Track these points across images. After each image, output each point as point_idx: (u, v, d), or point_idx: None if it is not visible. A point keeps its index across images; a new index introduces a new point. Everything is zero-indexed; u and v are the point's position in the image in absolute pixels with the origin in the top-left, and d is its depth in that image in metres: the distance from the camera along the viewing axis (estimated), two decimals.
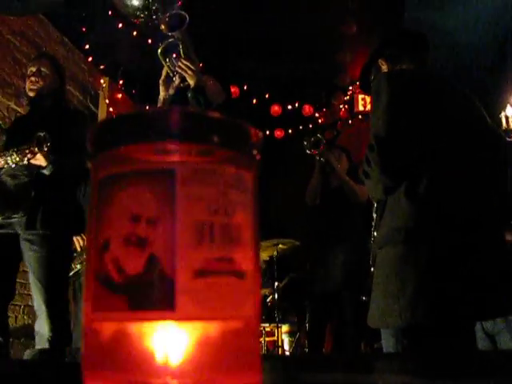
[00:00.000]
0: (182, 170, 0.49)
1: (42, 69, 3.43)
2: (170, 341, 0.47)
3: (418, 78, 2.33)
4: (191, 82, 2.88)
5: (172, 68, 2.93)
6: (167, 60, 2.94)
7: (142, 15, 4.72)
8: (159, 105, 3.06)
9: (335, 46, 5.69)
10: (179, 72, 2.90)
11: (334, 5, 5.06)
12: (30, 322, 4.72)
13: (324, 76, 6.19)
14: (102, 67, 5.58)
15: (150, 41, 5.13)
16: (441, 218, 2.03)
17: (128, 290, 0.47)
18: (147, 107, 6.31)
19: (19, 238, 3.00)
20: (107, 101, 5.77)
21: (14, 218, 2.97)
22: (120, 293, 0.47)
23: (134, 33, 5.12)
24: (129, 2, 4.05)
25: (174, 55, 2.96)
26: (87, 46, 5.29)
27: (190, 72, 2.85)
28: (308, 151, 4.58)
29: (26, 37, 5.07)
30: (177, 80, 2.96)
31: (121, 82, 6.09)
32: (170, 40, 2.90)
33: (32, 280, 2.99)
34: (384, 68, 2.54)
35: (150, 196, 0.48)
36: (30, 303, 4.56)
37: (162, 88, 3.00)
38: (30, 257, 2.98)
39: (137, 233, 0.47)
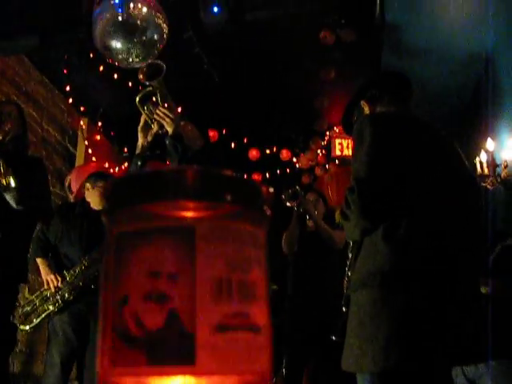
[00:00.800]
0: (201, 228, 0.50)
1: (9, 112, 3.42)
2: None
3: (401, 122, 2.37)
4: (169, 130, 2.92)
5: (150, 116, 2.97)
6: (145, 108, 2.98)
7: (123, 58, 4.78)
8: (137, 151, 3.08)
9: (314, 91, 5.81)
10: (157, 119, 2.94)
11: (313, 52, 5.18)
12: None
13: (302, 121, 6.29)
14: (82, 109, 5.60)
15: (130, 84, 5.18)
16: (418, 262, 2.05)
17: (148, 344, 0.48)
18: (125, 149, 6.32)
19: None
20: (86, 142, 5.77)
21: None
22: (140, 348, 0.48)
23: (115, 75, 5.16)
24: (112, 45, 4.10)
25: (153, 101, 2.99)
26: (68, 88, 5.31)
27: (167, 119, 2.90)
28: (287, 203, 4.61)
29: (5, 76, 5.08)
30: (155, 127, 3.00)
31: (99, 123, 6.11)
32: (148, 89, 2.94)
33: None
34: (366, 110, 2.56)
35: (170, 252, 0.50)
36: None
37: (140, 135, 3.04)
38: None
39: (157, 288, 0.49)
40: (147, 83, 2.96)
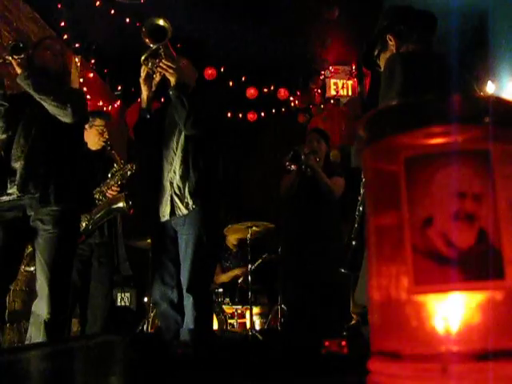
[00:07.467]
0: (495, 151, 0.52)
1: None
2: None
3: (430, 61, 2.38)
4: (172, 80, 2.89)
5: (153, 68, 2.92)
6: (148, 62, 2.92)
7: None
8: (143, 105, 3.04)
9: (314, 30, 5.72)
10: (160, 72, 2.90)
11: None
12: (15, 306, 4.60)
13: (302, 60, 6.22)
14: (77, 45, 5.43)
15: (127, 20, 5.05)
16: None
17: (461, 262, 0.50)
18: (119, 87, 6.20)
19: (28, 219, 2.91)
20: (81, 80, 5.64)
21: (25, 197, 2.88)
22: (452, 265, 0.50)
23: (112, 11, 5.01)
24: None
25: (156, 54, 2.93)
26: (62, 24, 5.13)
27: (170, 71, 2.87)
28: (292, 167, 4.53)
29: None
30: (157, 77, 2.96)
31: (92, 61, 5.95)
32: (153, 47, 2.87)
33: (38, 260, 2.92)
34: (391, 44, 2.53)
35: (473, 175, 0.52)
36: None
37: (143, 88, 2.98)
38: (40, 236, 2.90)
39: (465, 209, 0.51)
40: (152, 46, 2.88)
